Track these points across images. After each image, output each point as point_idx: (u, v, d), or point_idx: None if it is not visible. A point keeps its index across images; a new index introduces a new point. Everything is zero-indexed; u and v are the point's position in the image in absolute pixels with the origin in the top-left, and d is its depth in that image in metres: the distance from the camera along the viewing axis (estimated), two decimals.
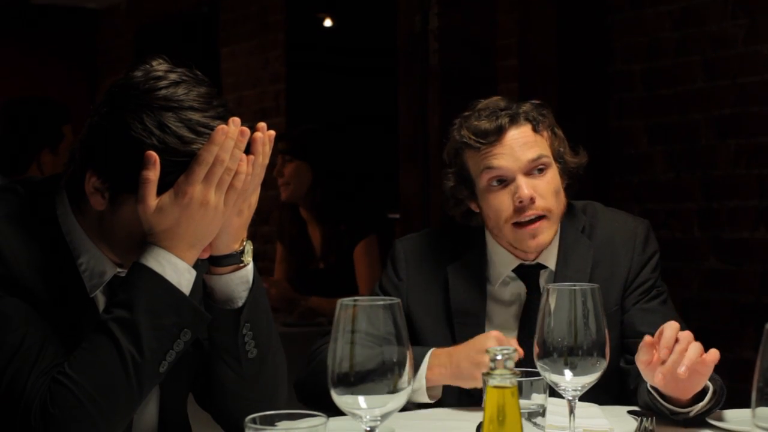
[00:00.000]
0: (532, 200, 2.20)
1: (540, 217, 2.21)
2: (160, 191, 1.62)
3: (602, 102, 4.51)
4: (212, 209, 1.63)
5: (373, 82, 6.31)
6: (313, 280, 4.18)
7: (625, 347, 2.22)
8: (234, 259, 1.75)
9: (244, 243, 1.75)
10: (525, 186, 2.20)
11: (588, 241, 2.30)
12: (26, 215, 1.70)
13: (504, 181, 2.22)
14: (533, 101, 2.31)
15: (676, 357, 1.79)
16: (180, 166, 1.62)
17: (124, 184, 1.64)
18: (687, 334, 1.83)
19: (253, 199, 1.73)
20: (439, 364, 2.13)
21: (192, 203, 1.62)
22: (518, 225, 2.22)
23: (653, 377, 1.84)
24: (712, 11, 4.12)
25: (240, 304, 1.76)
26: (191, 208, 1.62)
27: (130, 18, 7.97)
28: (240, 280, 1.76)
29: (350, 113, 6.44)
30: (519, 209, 2.21)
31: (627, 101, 4.48)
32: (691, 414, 1.91)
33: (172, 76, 1.66)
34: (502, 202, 2.23)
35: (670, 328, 1.83)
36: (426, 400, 2.15)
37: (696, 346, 1.81)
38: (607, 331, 1.64)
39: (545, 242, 2.24)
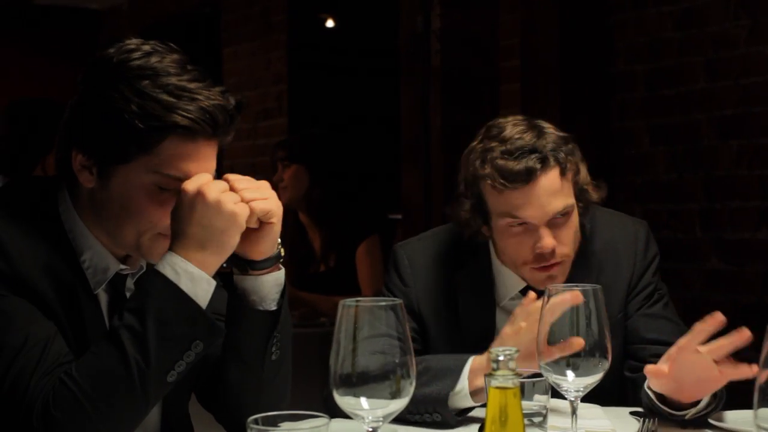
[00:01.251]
0: (553, 251, 2.12)
1: (558, 263, 2.14)
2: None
3: (604, 102, 4.51)
4: (214, 204, 1.61)
5: (375, 83, 6.30)
6: (314, 283, 4.18)
7: (629, 353, 2.20)
8: (273, 261, 1.74)
9: (279, 246, 1.75)
10: (548, 237, 2.10)
11: (592, 249, 2.25)
12: (29, 213, 1.70)
13: (524, 224, 2.12)
14: (558, 133, 2.16)
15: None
16: (163, 131, 1.62)
17: (109, 156, 1.65)
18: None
19: (278, 211, 1.71)
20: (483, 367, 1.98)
21: (185, 197, 1.61)
22: (535, 268, 2.15)
23: (659, 383, 1.85)
24: (715, 12, 4.12)
25: (273, 306, 1.75)
26: (184, 202, 1.61)
27: (133, 19, 7.97)
28: (274, 282, 1.75)
29: (352, 113, 6.44)
30: (539, 257, 2.12)
31: (629, 102, 4.47)
32: (687, 417, 1.90)
33: (145, 48, 1.69)
34: (521, 245, 2.13)
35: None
36: (470, 403, 2.01)
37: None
38: (608, 332, 1.64)
39: (559, 282, 2.14)
